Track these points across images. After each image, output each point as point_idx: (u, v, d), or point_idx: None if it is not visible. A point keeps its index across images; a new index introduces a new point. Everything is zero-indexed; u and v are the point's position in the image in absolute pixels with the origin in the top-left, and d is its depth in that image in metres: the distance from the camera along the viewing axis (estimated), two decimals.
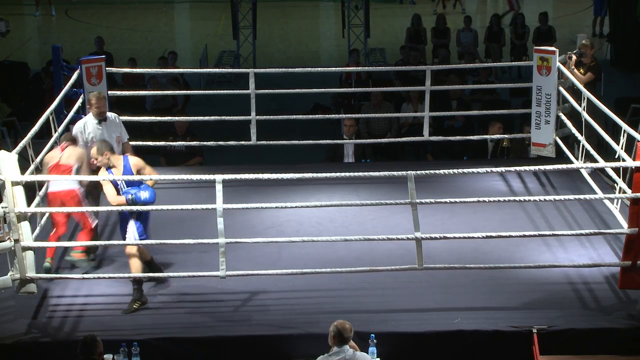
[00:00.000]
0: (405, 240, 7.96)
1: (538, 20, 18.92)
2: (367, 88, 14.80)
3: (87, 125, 9.21)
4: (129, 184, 8.04)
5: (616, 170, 8.81)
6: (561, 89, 10.60)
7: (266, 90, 11.27)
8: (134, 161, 8.24)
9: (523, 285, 8.12)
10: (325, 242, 8.56)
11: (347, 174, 8.03)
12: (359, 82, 15.73)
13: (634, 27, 18.60)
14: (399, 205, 8.01)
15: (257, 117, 11.01)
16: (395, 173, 7.88)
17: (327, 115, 13.58)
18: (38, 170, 8.80)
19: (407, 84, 14.15)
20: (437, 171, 8.13)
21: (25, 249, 7.55)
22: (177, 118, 11.36)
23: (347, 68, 15.20)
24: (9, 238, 7.52)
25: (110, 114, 9.38)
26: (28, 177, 7.89)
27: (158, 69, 14.80)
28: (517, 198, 9.60)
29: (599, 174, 10.13)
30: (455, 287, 8.11)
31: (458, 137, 11.85)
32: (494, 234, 8.06)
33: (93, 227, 8.61)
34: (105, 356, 6.74)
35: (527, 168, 8.43)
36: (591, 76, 10.54)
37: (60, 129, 9.81)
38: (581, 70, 10.64)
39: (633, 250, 7.63)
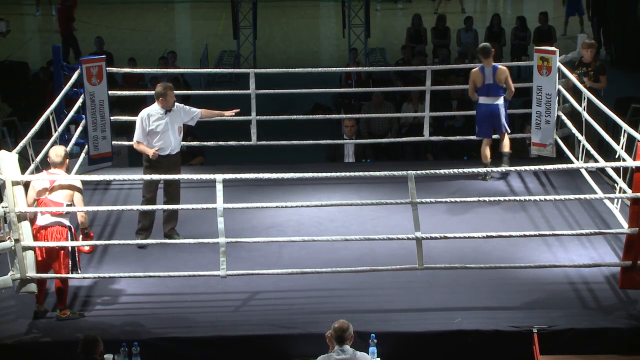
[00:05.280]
0: (405, 240, 7.96)
1: (538, 20, 18.90)
2: (367, 88, 14.80)
3: (152, 116, 8.94)
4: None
5: (616, 170, 8.82)
6: (561, 88, 10.60)
7: (266, 90, 11.26)
8: (502, 71, 10.33)
9: (523, 285, 8.12)
10: (325, 242, 8.57)
11: (347, 174, 8.03)
12: (359, 82, 15.72)
13: (634, 27, 18.59)
14: (399, 205, 8.01)
15: (258, 117, 11.01)
16: (395, 173, 7.89)
17: (327, 115, 13.57)
18: (38, 169, 8.79)
19: (407, 84, 14.14)
20: (437, 171, 8.13)
21: (25, 248, 7.54)
22: None
23: (348, 68, 15.20)
24: (9, 238, 7.52)
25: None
26: (28, 176, 7.89)
27: (158, 69, 14.79)
28: (517, 198, 9.60)
29: (599, 174, 10.13)
30: (455, 287, 8.10)
31: (458, 137, 11.85)
32: (494, 234, 8.06)
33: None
34: (105, 356, 6.73)
35: (527, 168, 8.45)
36: (605, 78, 10.60)
37: (60, 129, 9.81)
38: (584, 69, 10.63)
39: (633, 250, 7.64)
